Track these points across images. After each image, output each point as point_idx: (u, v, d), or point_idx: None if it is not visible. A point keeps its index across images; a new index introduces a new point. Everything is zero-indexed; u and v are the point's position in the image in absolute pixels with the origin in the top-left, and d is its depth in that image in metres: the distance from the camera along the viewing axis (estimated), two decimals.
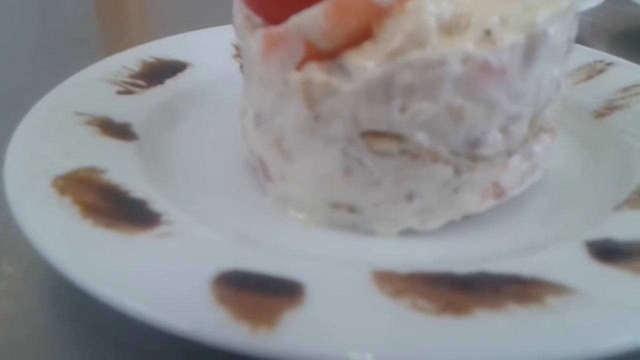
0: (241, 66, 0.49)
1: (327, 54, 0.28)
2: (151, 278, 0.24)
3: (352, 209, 0.30)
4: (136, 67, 0.45)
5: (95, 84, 0.42)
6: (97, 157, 0.33)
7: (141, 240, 0.26)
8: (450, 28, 0.27)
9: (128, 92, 0.42)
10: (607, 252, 0.26)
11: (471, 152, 0.29)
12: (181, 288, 0.23)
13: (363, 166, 0.29)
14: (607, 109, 0.42)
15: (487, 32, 0.26)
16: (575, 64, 0.48)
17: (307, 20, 0.27)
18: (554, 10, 0.28)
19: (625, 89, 0.43)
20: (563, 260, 0.26)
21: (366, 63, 0.27)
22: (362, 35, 0.28)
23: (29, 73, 0.57)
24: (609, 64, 0.47)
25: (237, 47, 0.51)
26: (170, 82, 0.45)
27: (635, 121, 0.40)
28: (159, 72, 0.46)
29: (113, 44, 0.69)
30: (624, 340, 0.22)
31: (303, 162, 0.30)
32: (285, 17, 0.30)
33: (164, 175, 0.34)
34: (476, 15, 0.27)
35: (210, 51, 0.50)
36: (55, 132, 0.35)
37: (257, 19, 0.32)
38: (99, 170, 0.32)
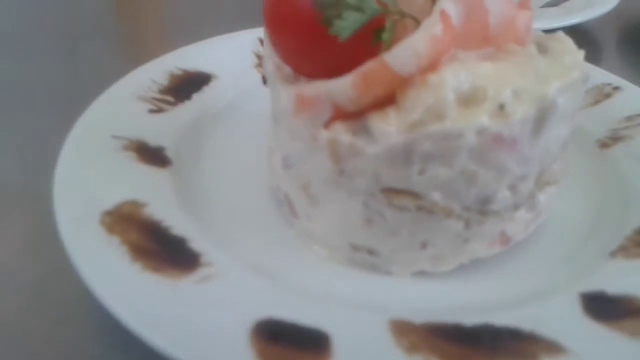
0: (263, 77, 0.51)
1: (353, 114, 0.31)
2: (193, 326, 0.28)
3: (371, 252, 0.33)
4: (164, 81, 0.48)
5: (127, 102, 0.44)
6: (137, 188, 0.36)
7: (184, 286, 0.30)
8: (468, 100, 0.29)
9: (159, 110, 0.45)
10: (599, 308, 0.30)
11: (481, 208, 0.32)
12: (221, 339, 0.27)
13: (382, 217, 0.32)
14: (611, 139, 0.45)
15: (501, 106, 0.29)
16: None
17: (336, 88, 0.30)
18: (565, 82, 0.30)
19: (629, 118, 0.46)
20: (559, 315, 0.29)
21: (390, 129, 0.29)
22: (386, 100, 0.30)
23: (48, 64, 0.60)
24: (616, 88, 0.49)
25: (258, 56, 0.53)
26: (196, 97, 0.47)
27: (637, 154, 0.42)
28: (186, 86, 0.48)
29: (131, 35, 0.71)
30: None
31: (327, 208, 0.33)
32: (314, 70, 0.32)
33: (197, 205, 0.37)
34: (492, 87, 0.29)
35: (233, 61, 0.52)
36: (96, 160, 0.38)
37: (288, 69, 0.34)
38: (140, 204, 0.35)
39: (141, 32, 0.72)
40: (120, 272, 0.30)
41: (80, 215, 0.33)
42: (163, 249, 0.32)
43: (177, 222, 0.34)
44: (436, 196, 0.31)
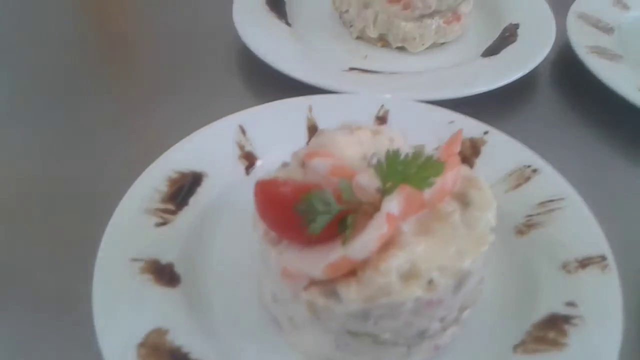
0: (246, 168, 0.61)
1: (325, 282, 0.42)
2: None
3: None
4: (164, 187, 0.57)
5: (137, 218, 0.54)
6: (159, 315, 0.47)
7: None
8: (408, 276, 0.40)
9: (164, 222, 0.55)
10: None
11: (419, 337, 0.44)
12: None
13: (348, 346, 0.44)
14: (526, 227, 0.56)
15: (430, 281, 0.40)
16: (509, 167, 0.61)
17: (312, 271, 0.40)
18: (477, 254, 0.41)
19: (542, 204, 0.57)
20: None
21: (352, 296, 0.40)
22: (351, 272, 0.41)
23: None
24: (535, 171, 0.60)
25: (240, 147, 0.62)
26: (193, 201, 0.57)
27: (548, 245, 0.54)
28: (183, 190, 0.57)
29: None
30: None
31: (307, 334, 0.45)
32: (294, 239, 0.43)
33: (205, 322, 0.48)
34: (424, 266, 0.40)
35: (219, 155, 0.61)
36: (122, 289, 0.48)
37: (273, 233, 0.44)
38: (163, 331, 0.46)
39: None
40: None
41: (122, 351, 0.44)
42: None
43: (194, 346, 0.46)
44: (386, 335, 0.43)
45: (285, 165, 0.49)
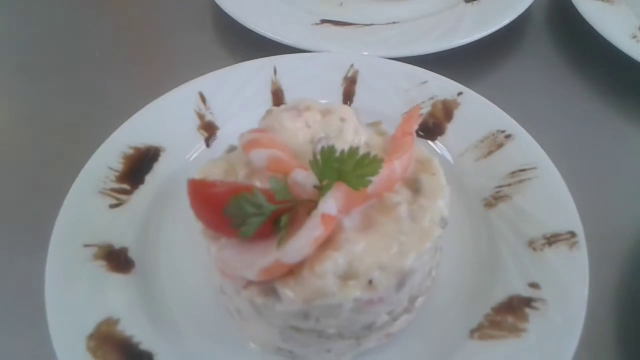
0: (206, 140, 0.59)
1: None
2: None
3: (290, 352, 0.45)
4: (119, 165, 0.55)
5: (90, 200, 0.53)
6: (110, 304, 0.47)
7: None
8: (346, 276, 0.39)
9: (118, 203, 0.53)
10: None
11: (367, 329, 0.43)
12: None
13: (294, 339, 0.43)
14: (495, 199, 0.54)
15: (370, 282, 0.39)
16: (481, 133, 0.58)
17: (247, 274, 0.39)
18: (420, 251, 0.39)
19: (513, 174, 0.55)
20: None
21: (290, 296, 0.39)
22: (289, 271, 0.40)
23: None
24: (509, 137, 0.57)
25: (200, 116, 0.60)
26: (149, 178, 0.56)
27: (515, 219, 0.52)
28: (139, 168, 0.56)
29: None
30: None
31: (255, 326, 0.44)
32: (230, 234, 0.41)
33: (157, 311, 0.48)
34: (363, 266, 0.39)
35: (177, 127, 0.59)
36: (74, 278, 0.48)
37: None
38: (113, 321, 0.46)
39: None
40: None
41: (71, 342, 0.44)
42: None
43: (145, 336, 0.46)
44: (331, 330, 0.42)
45: (231, 149, 0.47)
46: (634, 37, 0.69)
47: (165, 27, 0.79)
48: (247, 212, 0.38)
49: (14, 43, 0.77)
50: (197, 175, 0.44)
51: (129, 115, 0.59)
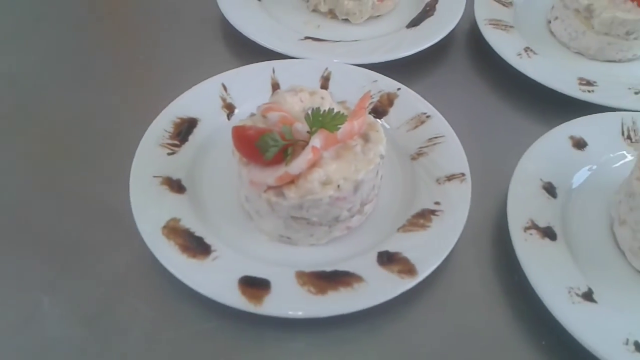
0: (227, 115, 0.87)
1: (276, 187, 0.69)
2: (212, 278, 0.68)
3: (288, 237, 0.74)
4: (171, 128, 0.83)
5: (154, 149, 0.81)
6: (174, 210, 0.75)
7: (206, 263, 0.70)
8: (325, 182, 0.68)
9: (173, 152, 0.81)
10: (384, 259, 0.71)
11: (335, 220, 0.72)
12: (222, 285, 0.68)
13: (292, 226, 0.72)
14: (418, 155, 0.84)
15: (338, 186, 0.68)
16: (411, 114, 0.88)
17: (268, 180, 0.68)
18: (367, 169, 0.69)
19: (429, 140, 0.85)
20: (364, 263, 0.71)
21: (292, 195, 0.68)
22: (292, 181, 0.68)
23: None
24: (429, 117, 0.87)
25: (223, 99, 0.89)
26: (191, 138, 0.84)
27: (429, 166, 0.82)
28: (184, 130, 0.84)
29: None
30: (378, 297, 0.68)
31: (267, 219, 0.73)
32: (257, 162, 0.70)
33: (204, 215, 0.76)
34: (334, 177, 0.68)
35: (208, 106, 0.87)
36: (151, 195, 0.75)
37: (245, 159, 0.71)
38: (177, 219, 0.74)
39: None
40: (177, 259, 0.70)
41: (152, 231, 0.72)
42: (193, 244, 0.71)
43: (197, 228, 0.73)
44: (314, 219, 0.71)
45: (252, 115, 0.76)
46: (519, 54, 1.00)
47: (188, 39, 1.07)
48: (269, 144, 0.66)
49: (71, 43, 1.05)
50: (238, 124, 0.72)
51: (169, 100, 0.86)
